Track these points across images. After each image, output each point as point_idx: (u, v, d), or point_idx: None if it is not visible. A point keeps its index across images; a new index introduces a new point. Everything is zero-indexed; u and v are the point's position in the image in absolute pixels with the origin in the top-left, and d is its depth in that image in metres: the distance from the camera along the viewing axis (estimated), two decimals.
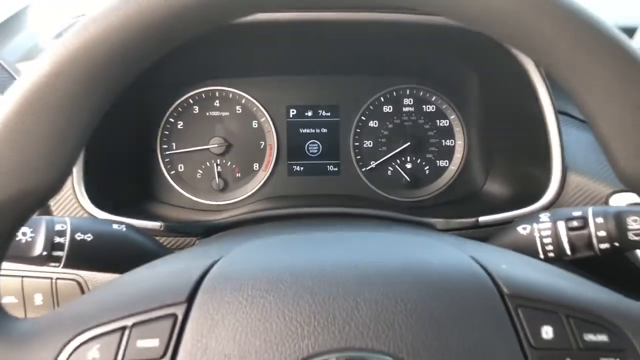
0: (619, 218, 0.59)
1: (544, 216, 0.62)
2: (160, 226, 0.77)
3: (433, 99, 0.98)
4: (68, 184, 0.76)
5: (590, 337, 0.43)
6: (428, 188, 0.98)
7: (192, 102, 0.96)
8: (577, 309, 0.44)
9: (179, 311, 0.42)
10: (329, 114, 0.97)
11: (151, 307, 0.43)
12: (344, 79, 0.97)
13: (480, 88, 0.95)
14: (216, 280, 0.44)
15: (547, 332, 0.43)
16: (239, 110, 0.96)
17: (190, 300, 0.43)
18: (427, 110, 0.98)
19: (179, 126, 0.96)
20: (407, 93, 0.98)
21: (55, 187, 0.42)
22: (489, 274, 0.45)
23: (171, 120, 0.95)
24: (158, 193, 0.95)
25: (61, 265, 0.57)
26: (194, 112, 0.96)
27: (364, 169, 0.98)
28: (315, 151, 0.98)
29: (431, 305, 0.43)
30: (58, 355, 0.42)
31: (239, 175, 0.97)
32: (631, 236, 0.58)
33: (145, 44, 0.41)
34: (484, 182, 0.95)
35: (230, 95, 0.96)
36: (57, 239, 0.56)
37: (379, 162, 0.98)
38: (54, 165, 0.41)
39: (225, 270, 0.45)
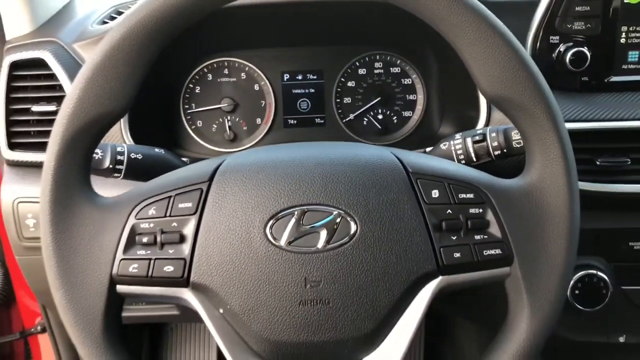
0: (506, 132, 0.84)
1: (458, 135, 0.87)
2: (187, 161, 1.03)
3: (398, 62, 1.22)
4: (117, 128, 1.02)
5: (461, 195, 0.68)
6: (396, 134, 1.22)
7: (206, 70, 1.21)
8: (455, 179, 0.69)
9: (204, 186, 0.68)
10: (315, 77, 1.22)
11: (187, 184, 0.68)
12: (327, 49, 1.21)
13: (435, 53, 1.19)
14: (226, 167, 0.69)
15: (434, 193, 0.68)
16: (243, 77, 1.21)
17: (210, 179, 0.68)
18: (394, 71, 1.22)
19: (196, 90, 1.21)
20: (378, 58, 1.22)
21: (121, 113, 0.68)
22: (400, 160, 0.70)
23: (190, 85, 1.21)
24: (182, 143, 1.21)
25: (121, 176, 0.83)
26: (208, 78, 1.21)
27: (344, 120, 1.22)
28: (305, 107, 1.23)
29: (362, 178, 0.68)
30: (130, 213, 0.67)
31: (246, 128, 1.22)
32: (514, 144, 0.83)
33: (177, 20, 0.66)
34: (439, 126, 1.20)
35: (237, 65, 1.21)
36: (119, 157, 0.83)
37: (356, 114, 1.22)
38: (124, 94, 0.66)
39: (232, 162, 0.70)
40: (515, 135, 0.83)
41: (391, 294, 0.65)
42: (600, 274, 1.01)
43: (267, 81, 1.20)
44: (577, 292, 1.00)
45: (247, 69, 1.21)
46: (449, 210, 0.68)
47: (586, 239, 1.03)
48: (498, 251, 0.67)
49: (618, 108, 1.00)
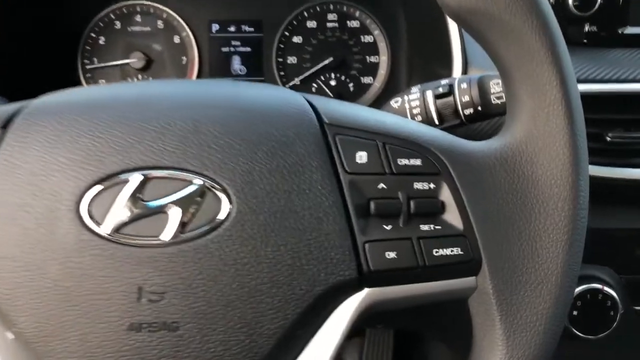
0: (482, 82, 0.58)
1: (415, 88, 0.62)
2: None
3: (357, 15, 0.97)
4: None
5: (402, 161, 0.43)
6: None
7: (113, 17, 0.95)
8: (394, 137, 0.44)
9: None
10: (252, 29, 0.97)
11: None
12: None
13: (404, 3, 0.94)
14: (35, 109, 0.44)
15: (361, 157, 0.43)
16: (160, 26, 0.96)
17: (4, 125, 0.43)
18: (351, 26, 0.97)
19: (100, 42, 0.96)
20: (331, 8, 0.97)
21: None
22: (313, 106, 0.45)
23: (92, 35, 0.95)
24: None
25: None
26: (115, 27, 0.96)
27: (287, 85, 0.97)
28: (239, 68, 0.98)
29: (246, 130, 0.42)
30: None
31: None
32: (493, 100, 0.57)
33: None
34: None
35: (152, 10, 0.96)
36: None
37: (302, 78, 0.97)
38: None
39: (46, 101, 0.45)
40: (495, 87, 0.58)
41: (284, 317, 0.40)
42: (607, 289, 0.75)
43: (189, 32, 0.96)
44: (575, 313, 0.75)
45: (164, 15, 0.96)
46: (382, 184, 0.43)
47: (589, 243, 0.77)
48: (457, 251, 0.42)
49: (635, 67, 0.75)
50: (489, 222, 0.42)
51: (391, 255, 0.41)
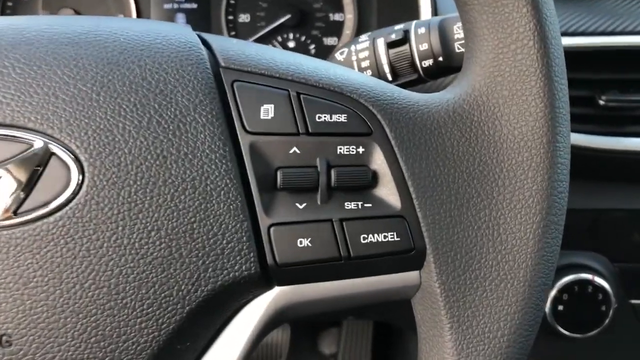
0: (443, 26, 0.47)
1: (364, 36, 0.50)
2: None
3: None
4: None
5: (323, 117, 0.32)
6: None
7: None
8: (312, 85, 0.33)
9: None
10: None
11: None
12: None
13: None
14: None
15: (267, 111, 0.32)
16: None
17: None
18: None
19: None
20: None
21: None
22: (207, 44, 0.34)
23: None
24: None
25: None
26: None
27: None
28: None
29: (108, 72, 0.31)
30: None
31: None
32: (457, 47, 0.46)
33: None
34: None
35: None
36: None
37: (256, 38, 0.85)
38: None
39: None
40: (459, 31, 0.46)
41: (157, 327, 0.30)
42: (598, 280, 0.65)
43: None
44: (561, 308, 0.64)
45: None
46: (294, 149, 0.32)
47: (579, 225, 0.65)
48: (392, 237, 0.31)
49: (633, 17, 0.63)
50: (435, 199, 0.31)
51: (304, 242, 0.31)
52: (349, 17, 0.86)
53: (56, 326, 0.29)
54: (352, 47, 0.50)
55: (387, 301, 0.33)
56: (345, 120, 0.32)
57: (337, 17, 0.86)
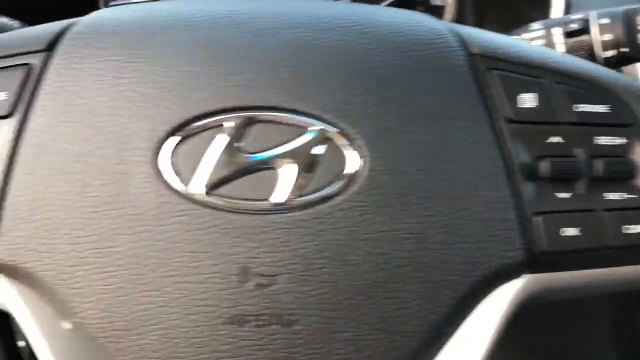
0: (629, 17, 0.47)
1: (536, 24, 0.51)
2: None
3: None
4: None
5: (584, 107, 0.32)
6: None
7: None
8: (567, 74, 0.33)
9: (36, 60, 0.32)
10: None
11: None
12: None
13: None
14: (88, 27, 0.33)
15: (525, 100, 0.33)
16: None
17: (51, 48, 0.32)
18: None
19: None
20: None
21: None
22: (454, 31, 0.34)
23: None
24: None
25: None
26: None
27: None
28: None
29: (377, 62, 0.32)
30: None
31: None
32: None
33: None
34: None
35: None
36: None
37: None
38: None
39: (101, 18, 0.34)
40: None
41: (432, 309, 0.31)
42: None
43: None
44: None
45: None
46: (558, 138, 0.32)
47: None
48: None
49: None
50: None
51: (570, 232, 0.31)
52: (449, 2, 0.86)
53: (337, 307, 0.30)
54: (524, 35, 0.50)
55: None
56: (607, 111, 0.32)
57: (438, 1, 0.86)
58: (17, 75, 0.31)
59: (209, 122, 0.30)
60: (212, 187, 0.30)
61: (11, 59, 0.32)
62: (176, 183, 0.30)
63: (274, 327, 0.30)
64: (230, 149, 0.30)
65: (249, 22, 0.32)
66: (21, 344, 0.54)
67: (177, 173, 0.30)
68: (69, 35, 0.32)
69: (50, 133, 0.31)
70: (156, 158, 0.30)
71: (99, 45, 0.32)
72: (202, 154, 0.30)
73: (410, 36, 0.33)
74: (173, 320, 0.30)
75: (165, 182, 0.30)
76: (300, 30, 0.32)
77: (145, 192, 0.30)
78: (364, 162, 0.30)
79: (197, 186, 0.30)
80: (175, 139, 0.30)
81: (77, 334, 0.31)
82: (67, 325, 0.32)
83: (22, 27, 0.51)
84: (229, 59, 0.31)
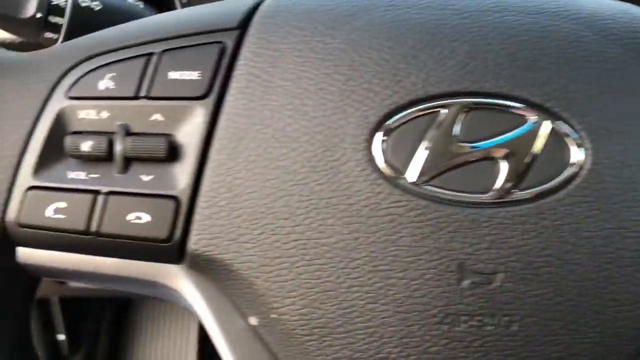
0: None
1: None
2: None
3: None
4: None
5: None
6: None
7: None
8: None
9: (229, 39, 0.30)
10: None
11: (186, 33, 0.30)
12: None
13: None
14: (280, 5, 0.31)
15: None
16: None
17: (243, 26, 0.30)
18: None
19: None
20: None
21: None
22: None
23: None
24: None
25: (60, 39, 0.44)
26: None
27: None
28: None
29: (586, 44, 0.30)
30: (56, 84, 0.29)
31: None
32: None
33: None
34: None
35: None
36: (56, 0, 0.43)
37: None
38: None
39: None
40: None
41: None
42: None
43: None
44: None
45: None
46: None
47: None
48: None
49: None
50: None
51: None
52: None
53: (557, 309, 0.28)
54: None
55: None
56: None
57: None
58: (210, 54, 0.29)
59: (422, 108, 0.28)
60: (426, 178, 0.28)
61: (202, 36, 0.30)
62: (389, 172, 0.28)
63: (489, 328, 0.28)
64: (446, 138, 0.28)
65: (451, 2, 0.31)
66: (61, 337, 0.53)
67: (390, 162, 0.28)
68: (260, 14, 0.30)
69: (250, 116, 0.29)
70: (369, 145, 0.28)
71: (296, 25, 0.30)
72: (415, 142, 0.28)
73: (622, 23, 0.31)
74: (382, 318, 0.28)
75: (378, 171, 0.28)
76: (507, 13, 0.30)
77: (357, 180, 0.28)
78: (587, 155, 0.28)
79: (412, 176, 0.28)
80: (387, 126, 0.28)
81: (266, 330, 0.29)
82: (253, 320, 0.30)
83: (147, 8, 0.49)
84: (438, 41, 0.29)
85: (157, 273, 0.30)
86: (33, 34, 0.42)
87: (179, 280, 0.30)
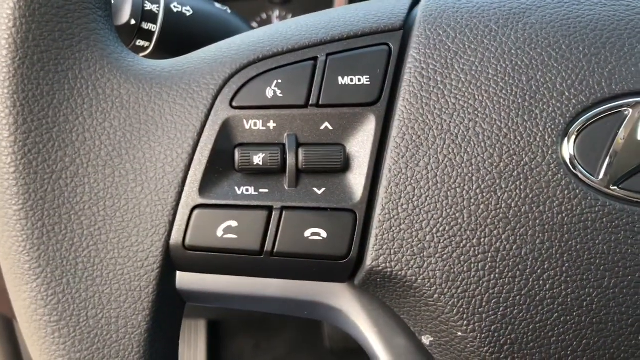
0: None
1: None
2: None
3: None
4: None
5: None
6: None
7: None
8: None
9: (392, 41, 0.28)
10: None
11: (348, 35, 0.28)
12: None
13: None
14: (439, 4, 0.29)
15: None
16: None
17: (404, 27, 0.28)
18: None
19: None
20: None
21: None
22: None
23: None
24: None
25: (151, 47, 0.41)
26: None
27: None
28: None
29: None
30: (218, 93, 0.27)
31: None
32: None
33: None
34: None
35: None
36: (149, 5, 0.40)
37: None
38: None
39: None
40: None
41: None
42: None
43: None
44: None
45: None
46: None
47: None
48: None
49: None
50: None
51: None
52: None
53: None
54: None
55: None
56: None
57: None
58: (378, 57, 0.27)
59: (607, 108, 0.27)
60: (618, 180, 0.27)
61: (365, 38, 0.28)
62: (582, 176, 0.26)
63: None
64: (634, 138, 0.27)
65: None
66: None
67: (581, 165, 0.27)
68: (423, 14, 0.28)
69: (425, 122, 0.27)
70: (559, 149, 0.26)
71: (466, 24, 0.28)
72: (604, 143, 0.27)
73: None
74: (576, 330, 0.26)
75: (571, 175, 0.26)
76: None
77: (550, 186, 0.26)
78: None
79: (603, 179, 0.27)
80: (575, 128, 0.27)
81: (443, 349, 0.27)
82: (429, 339, 0.28)
83: (243, 22, 0.46)
84: (617, 39, 0.28)
85: (322, 292, 0.28)
86: (125, 42, 0.40)
87: (344, 300, 0.28)
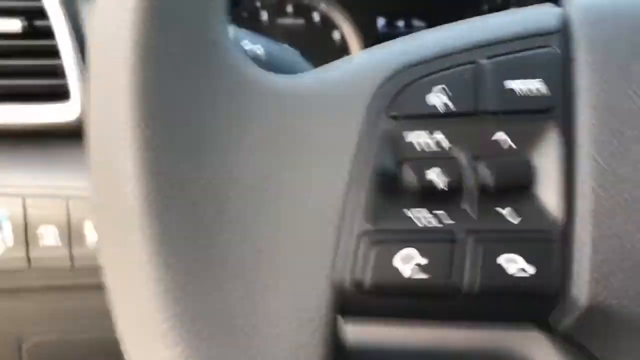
0: None
1: None
2: None
3: None
4: None
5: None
6: None
7: (259, 5, 0.77)
8: None
9: (553, 43, 0.24)
10: (424, 24, 0.81)
11: (506, 38, 0.24)
12: None
13: None
14: (587, 2, 0.26)
15: None
16: (316, 19, 0.78)
17: (560, 30, 0.25)
18: None
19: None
20: None
21: None
22: None
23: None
24: None
25: None
26: (262, 19, 0.77)
27: None
28: None
29: None
30: (372, 101, 0.22)
31: None
32: None
33: None
34: None
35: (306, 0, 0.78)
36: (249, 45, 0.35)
37: None
38: None
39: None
40: None
41: None
42: None
43: (351, 28, 0.78)
44: None
45: (321, 6, 0.78)
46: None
47: None
48: None
49: None
50: None
51: None
52: None
53: None
54: None
55: None
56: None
57: None
58: (546, 60, 0.24)
59: None
60: None
61: (523, 41, 0.24)
62: None
63: None
64: None
65: None
66: None
67: None
68: (578, 15, 0.25)
69: (616, 130, 0.22)
70: None
71: (633, 24, 0.25)
72: None
73: None
74: None
75: None
76: None
77: None
78: None
79: None
80: None
81: None
82: None
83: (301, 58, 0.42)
84: None
85: (510, 339, 0.23)
86: None
87: (537, 349, 0.23)
